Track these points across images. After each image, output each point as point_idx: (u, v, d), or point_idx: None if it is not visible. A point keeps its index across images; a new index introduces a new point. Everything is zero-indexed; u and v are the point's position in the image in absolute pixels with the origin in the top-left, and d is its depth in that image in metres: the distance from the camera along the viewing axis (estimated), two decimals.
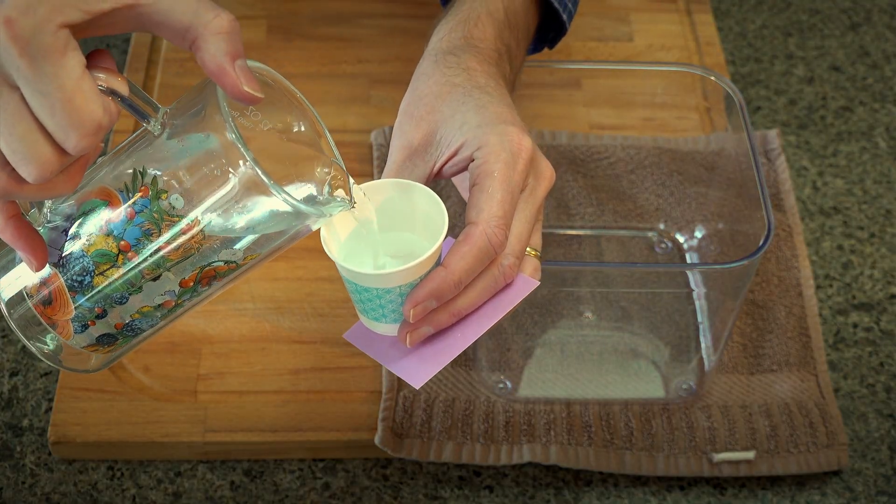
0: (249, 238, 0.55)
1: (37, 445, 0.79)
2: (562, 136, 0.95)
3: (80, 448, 0.78)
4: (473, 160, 0.61)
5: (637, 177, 0.92)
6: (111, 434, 0.78)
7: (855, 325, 0.88)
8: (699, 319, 0.85)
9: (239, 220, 0.54)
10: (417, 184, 0.61)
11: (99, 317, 0.58)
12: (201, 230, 0.54)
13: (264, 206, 0.53)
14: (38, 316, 0.58)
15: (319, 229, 0.59)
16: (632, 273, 0.77)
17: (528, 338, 0.84)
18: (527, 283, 0.62)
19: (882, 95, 1.07)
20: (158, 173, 0.53)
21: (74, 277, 0.57)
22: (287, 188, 0.54)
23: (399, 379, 0.80)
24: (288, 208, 0.53)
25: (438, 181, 0.65)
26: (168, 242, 0.54)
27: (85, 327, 0.58)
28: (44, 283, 0.57)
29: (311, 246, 0.89)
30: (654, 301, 0.85)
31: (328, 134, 0.58)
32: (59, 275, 0.57)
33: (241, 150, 0.51)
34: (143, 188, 0.54)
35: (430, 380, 0.80)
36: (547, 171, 0.64)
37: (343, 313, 0.85)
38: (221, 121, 0.51)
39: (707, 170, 0.90)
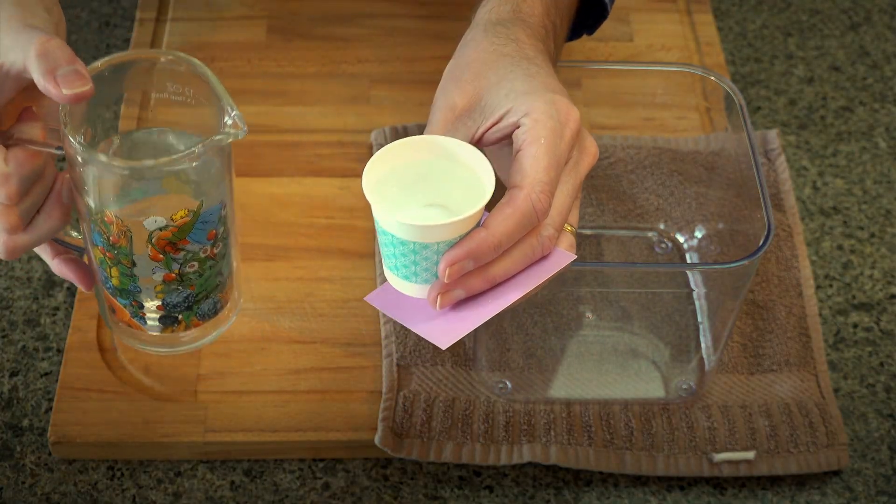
0: (139, 190, 0.63)
1: (37, 445, 0.79)
2: None
3: (80, 448, 0.78)
4: (519, 126, 0.60)
5: (637, 177, 0.92)
6: (111, 434, 0.78)
7: (855, 325, 0.88)
8: (699, 319, 0.85)
9: (126, 191, 0.62)
10: (464, 143, 0.60)
11: (140, 307, 0.67)
12: (112, 213, 0.62)
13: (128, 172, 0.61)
14: (120, 322, 0.69)
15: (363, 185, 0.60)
16: (632, 273, 0.77)
17: (528, 338, 0.84)
18: (563, 256, 0.61)
19: (882, 95, 1.07)
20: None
21: (105, 285, 0.67)
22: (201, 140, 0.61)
23: (399, 379, 0.80)
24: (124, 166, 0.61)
25: None
26: (110, 235, 0.63)
27: (143, 319, 0.68)
28: (104, 298, 0.69)
29: (311, 246, 0.89)
30: (654, 301, 0.85)
31: (213, 79, 0.62)
32: (103, 286, 0.68)
33: (67, 135, 0.60)
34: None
35: (430, 379, 0.80)
36: (591, 148, 0.63)
37: (343, 313, 0.85)
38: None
39: (707, 170, 0.90)
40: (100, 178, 0.61)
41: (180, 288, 0.66)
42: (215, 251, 0.66)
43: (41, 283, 0.88)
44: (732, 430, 0.79)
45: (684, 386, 0.82)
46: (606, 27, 1.08)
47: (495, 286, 0.60)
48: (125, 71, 0.63)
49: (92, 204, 0.62)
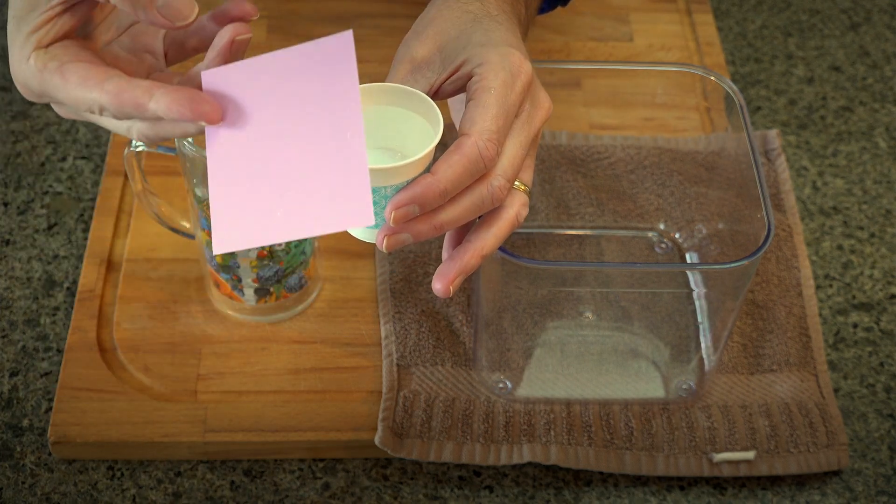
0: None
1: (37, 445, 0.79)
2: (562, 136, 0.95)
3: (80, 448, 0.78)
4: (472, 77, 0.61)
5: (637, 177, 0.92)
6: (111, 434, 0.78)
7: (855, 325, 0.88)
8: (699, 319, 0.85)
9: None
10: (416, 91, 0.61)
11: (239, 280, 0.80)
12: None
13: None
14: (227, 297, 0.83)
15: None
16: (632, 273, 0.77)
17: (528, 338, 0.84)
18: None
19: (882, 95, 1.07)
20: None
21: (210, 263, 0.81)
22: None
23: (399, 379, 0.80)
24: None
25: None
26: None
27: (241, 292, 0.81)
28: (209, 275, 0.82)
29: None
30: (654, 301, 0.85)
31: None
32: (209, 264, 0.81)
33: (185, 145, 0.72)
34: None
35: (430, 379, 0.80)
36: (545, 102, 0.64)
37: (343, 313, 0.85)
38: None
39: (707, 170, 0.90)
40: (206, 170, 0.68)
41: (271, 263, 0.79)
42: None
43: (41, 283, 0.88)
44: (732, 430, 0.79)
45: (684, 386, 0.82)
46: (606, 27, 1.08)
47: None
48: None
49: (199, 193, 0.74)
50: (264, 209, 0.57)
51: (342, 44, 0.56)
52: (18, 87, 0.60)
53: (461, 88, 0.63)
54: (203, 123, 0.56)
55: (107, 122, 0.60)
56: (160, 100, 0.55)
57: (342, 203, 0.55)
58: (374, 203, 0.59)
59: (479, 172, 0.59)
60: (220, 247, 0.56)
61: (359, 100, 0.55)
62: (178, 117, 0.55)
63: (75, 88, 0.57)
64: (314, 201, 0.56)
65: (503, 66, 0.61)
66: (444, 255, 0.63)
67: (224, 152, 0.57)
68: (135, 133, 0.59)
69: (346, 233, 0.64)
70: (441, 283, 0.61)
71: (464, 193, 0.59)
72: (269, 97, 0.57)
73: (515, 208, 0.62)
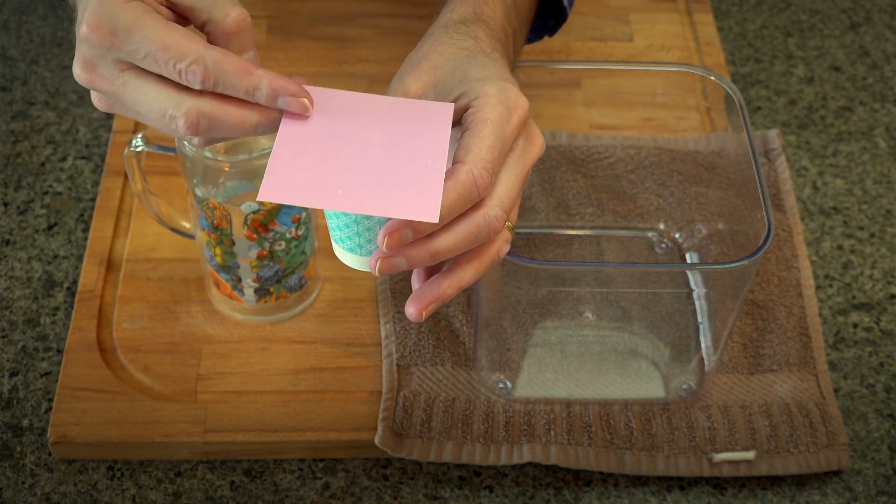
0: (236, 187, 0.75)
1: (37, 445, 0.79)
2: (562, 136, 0.95)
3: (80, 448, 0.78)
4: (469, 108, 0.61)
5: (637, 177, 0.92)
6: (111, 434, 0.78)
7: (855, 325, 0.88)
8: (699, 319, 0.85)
9: (223, 182, 0.74)
10: None
11: (239, 280, 0.81)
12: (216, 200, 0.75)
13: (213, 167, 0.74)
14: (227, 297, 0.83)
15: None
16: (632, 273, 0.77)
17: (528, 338, 0.84)
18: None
19: (882, 95, 1.07)
20: None
21: (210, 263, 0.81)
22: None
23: (399, 379, 0.80)
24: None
25: None
26: (214, 219, 0.76)
27: (241, 292, 0.82)
28: (209, 275, 0.83)
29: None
30: (654, 301, 0.85)
31: None
32: (209, 264, 0.82)
33: (187, 147, 0.73)
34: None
35: (430, 379, 0.80)
36: (538, 140, 0.64)
37: (343, 313, 0.85)
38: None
39: (707, 170, 0.90)
40: (206, 170, 0.74)
41: (271, 264, 0.79)
42: (299, 233, 0.79)
43: (41, 283, 0.88)
44: (732, 430, 0.79)
45: (684, 386, 0.82)
46: (606, 27, 1.08)
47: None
48: None
49: (199, 193, 0.75)
50: (326, 175, 0.57)
51: (441, 109, 0.61)
52: (87, 20, 0.57)
53: (456, 122, 0.63)
54: (263, 120, 0.59)
55: (151, 93, 0.58)
56: (264, 73, 0.58)
57: (412, 196, 0.56)
58: (368, 229, 0.59)
59: (473, 200, 0.59)
60: (266, 193, 0.56)
61: (448, 136, 0.59)
62: (279, 91, 0.58)
63: (179, 37, 0.57)
64: (383, 186, 0.57)
65: (500, 99, 0.61)
66: (415, 284, 0.63)
67: (299, 125, 0.59)
68: (184, 110, 0.58)
69: None
70: (415, 308, 0.61)
71: (459, 221, 0.59)
72: (357, 111, 0.61)
73: (498, 244, 0.62)
